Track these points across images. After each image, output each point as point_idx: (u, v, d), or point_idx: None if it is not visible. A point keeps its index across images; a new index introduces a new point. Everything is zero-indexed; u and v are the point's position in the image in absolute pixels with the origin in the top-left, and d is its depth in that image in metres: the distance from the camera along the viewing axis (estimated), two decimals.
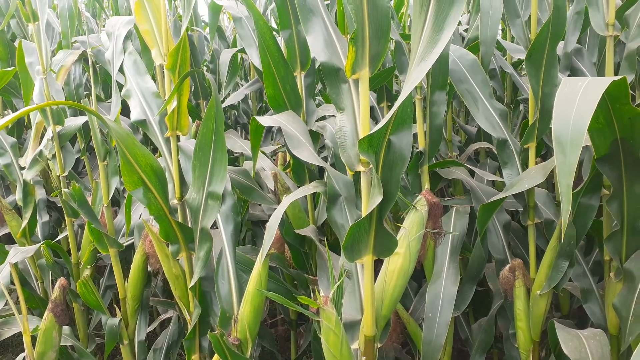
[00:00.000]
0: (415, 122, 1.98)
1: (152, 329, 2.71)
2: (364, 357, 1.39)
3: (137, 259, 2.03)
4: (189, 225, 1.72)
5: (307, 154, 1.71)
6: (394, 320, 1.90)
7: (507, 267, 1.78)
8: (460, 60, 1.91)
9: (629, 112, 1.23)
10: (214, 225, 1.72)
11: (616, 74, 1.67)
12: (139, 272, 2.03)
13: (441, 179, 2.20)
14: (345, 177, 1.70)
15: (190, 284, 1.69)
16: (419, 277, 2.23)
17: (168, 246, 1.77)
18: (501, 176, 1.86)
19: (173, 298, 2.57)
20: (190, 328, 1.76)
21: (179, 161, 1.77)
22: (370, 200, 1.28)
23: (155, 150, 2.95)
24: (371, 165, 1.31)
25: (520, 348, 1.76)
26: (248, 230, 2.94)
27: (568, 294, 2.35)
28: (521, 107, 2.73)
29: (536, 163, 1.72)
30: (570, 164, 0.98)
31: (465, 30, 2.64)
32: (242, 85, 3.41)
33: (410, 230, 1.46)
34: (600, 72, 2.19)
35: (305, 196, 2.22)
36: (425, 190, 1.54)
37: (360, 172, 1.34)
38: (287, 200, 1.57)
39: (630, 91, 2.20)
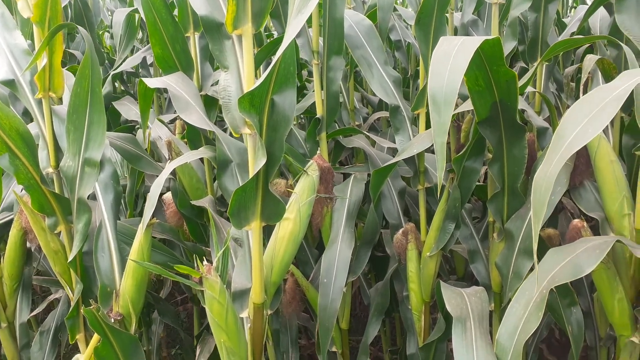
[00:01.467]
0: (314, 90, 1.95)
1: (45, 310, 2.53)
2: (250, 325, 1.35)
3: (13, 234, 1.84)
4: (66, 196, 1.59)
5: (197, 118, 1.62)
6: (294, 288, 1.89)
7: (401, 231, 1.81)
8: (357, 26, 1.89)
9: (505, 74, 1.26)
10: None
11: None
12: (15, 248, 1.84)
13: (344, 148, 2.20)
14: (238, 142, 1.63)
15: (70, 259, 1.56)
16: (321, 245, 2.23)
17: (45, 219, 1.62)
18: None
19: None
20: (72, 305, 1.63)
21: (52, 125, 1.61)
22: (254, 163, 1.23)
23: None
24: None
25: (413, 309, 1.82)
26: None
27: (462, 258, 2.46)
28: None
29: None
30: (444, 122, 0.98)
31: None
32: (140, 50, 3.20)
33: (301, 195, 1.43)
34: None
35: (203, 165, 2.13)
36: (317, 155, 1.51)
37: (247, 135, 1.28)
38: (170, 166, 1.48)
39: (523, 63, 2.31)
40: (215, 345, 2.14)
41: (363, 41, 1.87)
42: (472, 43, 1.05)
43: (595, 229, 1.56)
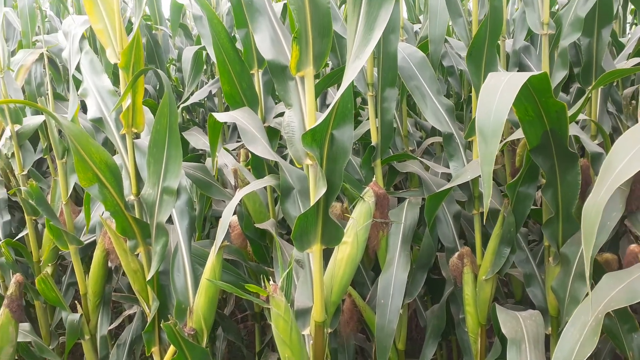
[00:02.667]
0: (368, 118, 2.05)
1: (119, 324, 2.73)
2: (312, 342, 1.44)
3: (97, 255, 2.05)
4: (146, 221, 1.76)
5: (262, 149, 1.76)
6: (351, 308, 1.97)
7: (456, 254, 1.86)
8: (410, 57, 1.98)
9: (554, 105, 1.32)
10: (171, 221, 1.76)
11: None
12: (99, 267, 2.05)
13: (398, 173, 2.27)
14: (299, 171, 1.75)
15: (148, 278, 1.72)
16: (377, 268, 2.30)
17: (126, 242, 1.80)
18: None
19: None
20: (149, 321, 1.79)
21: (134, 158, 1.80)
22: (316, 192, 1.34)
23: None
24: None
25: (469, 332, 1.85)
26: (212, 227, 2.98)
27: (520, 281, 2.45)
28: None
29: None
30: (491, 152, 1.05)
31: (420, 29, 2.72)
32: (206, 84, 3.43)
33: (358, 220, 1.53)
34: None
35: (266, 191, 2.27)
36: (373, 182, 1.60)
37: (308, 165, 1.39)
38: (239, 194, 1.62)
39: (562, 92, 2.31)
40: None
41: (416, 72, 1.96)
42: (518, 79, 1.12)
43: None
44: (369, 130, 2.08)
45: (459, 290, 1.95)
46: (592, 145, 1.67)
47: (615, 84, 2.61)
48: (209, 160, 2.52)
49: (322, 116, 1.22)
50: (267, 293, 1.33)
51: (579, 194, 1.52)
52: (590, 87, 1.92)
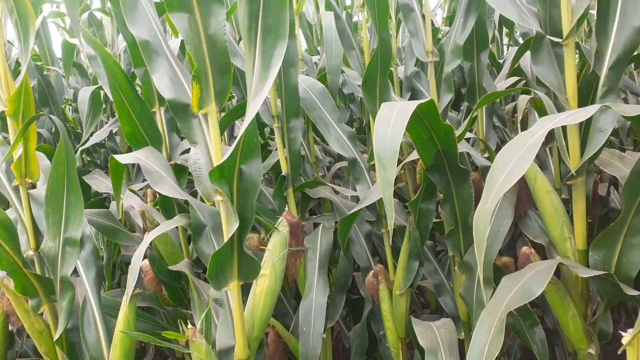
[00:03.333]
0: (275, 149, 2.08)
1: None
2: None
3: None
4: (48, 276, 1.65)
5: (169, 189, 1.72)
6: (275, 340, 1.96)
7: (371, 273, 1.93)
8: (310, 89, 2.06)
9: (443, 127, 1.43)
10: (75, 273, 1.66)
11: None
12: None
13: (311, 199, 2.32)
14: (210, 207, 1.74)
15: (56, 337, 1.60)
16: (298, 296, 2.32)
17: (27, 301, 1.67)
18: None
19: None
20: None
21: (31, 210, 1.68)
22: (228, 228, 1.34)
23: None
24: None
25: (391, 346, 1.91)
26: (123, 274, 2.84)
27: (433, 292, 2.59)
28: None
29: None
30: (389, 177, 1.12)
31: (319, 60, 2.83)
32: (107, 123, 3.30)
33: (274, 251, 1.54)
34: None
35: (178, 231, 2.22)
36: (286, 211, 1.63)
37: (219, 201, 1.39)
38: (149, 237, 1.57)
39: (453, 110, 2.51)
40: None
41: (317, 102, 2.04)
42: (408, 108, 1.21)
43: (544, 255, 1.71)
44: (278, 161, 2.12)
45: (377, 307, 2.02)
46: (481, 160, 1.82)
47: (498, 101, 2.88)
48: (113, 204, 2.42)
49: (228, 152, 1.23)
50: (186, 338, 1.30)
51: (473, 206, 1.65)
52: (474, 107, 2.10)
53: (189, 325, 1.32)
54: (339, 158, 2.77)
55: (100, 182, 2.63)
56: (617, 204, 2.46)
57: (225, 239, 1.35)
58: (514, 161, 1.14)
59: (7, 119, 1.67)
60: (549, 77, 1.55)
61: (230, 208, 1.31)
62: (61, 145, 1.57)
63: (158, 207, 2.45)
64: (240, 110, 2.15)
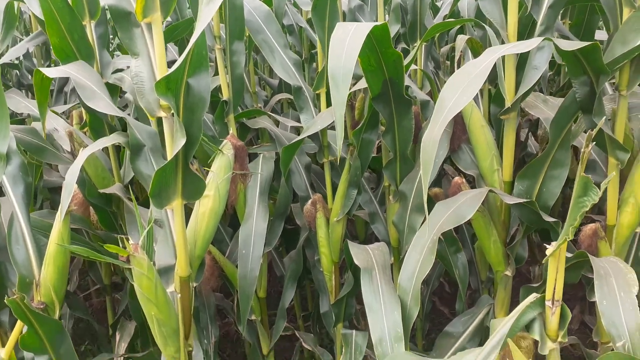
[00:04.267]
0: (217, 74, 2.02)
1: None
2: (180, 295, 1.43)
3: None
4: None
5: (104, 105, 1.64)
6: (211, 265, 1.98)
7: (310, 201, 1.98)
8: (256, 11, 1.99)
9: (392, 55, 1.46)
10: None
11: None
12: None
13: (249, 130, 2.30)
14: (148, 128, 1.68)
15: None
16: (234, 223, 2.33)
17: None
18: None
19: None
20: None
21: None
22: (174, 144, 1.30)
23: None
24: (172, 110, 1.33)
25: (324, 270, 2.00)
26: (45, 200, 2.69)
27: (363, 223, 2.70)
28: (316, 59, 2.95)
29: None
30: (342, 96, 1.14)
31: None
32: (23, 40, 3.01)
33: (218, 173, 1.53)
34: None
35: (109, 155, 2.12)
36: (230, 134, 1.61)
37: (162, 118, 1.34)
38: (84, 154, 1.50)
39: (404, 44, 2.56)
40: (135, 328, 2.19)
41: (263, 26, 1.98)
42: (364, 28, 1.21)
43: (473, 185, 1.84)
44: (217, 87, 2.06)
45: (313, 234, 2.08)
46: (421, 94, 1.88)
47: (434, 42, 2.95)
48: (34, 125, 2.25)
49: (177, 63, 1.18)
50: (127, 253, 1.28)
51: (412, 137, 1.72)
52: (417, 43, 2.14)
53: (131, 242, 1.30)
54: (278, 91, 2.73)
55: (19, 102, 2.43)
56: (533, 148, 2.66)
57: (169, 155, 1.32)
58: (462, 89, 1.19)
59: None
60: (492, 13, 1.61)
61: (177, 123, 1.27)
62: None
63: (84, 130, 2.32)
64: (180, 28, 2.04)
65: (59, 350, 1.44)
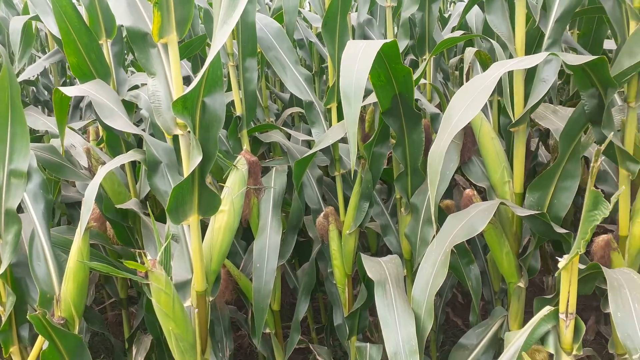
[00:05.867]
0: (231, 89, 2.06)
1: None
2: (197, 310, 1.46)
3: None
4: None
5: (122, 123, 1.68)
6: (226, 279, 2.00)
7: (322, 214, 2.00)
8: (267, 28, 2.03)
9: (402, 70, 1.48)
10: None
11: None
12: None
13: (262, 144, 2.33)
14: (165, 144, 1.72)
15: (1, 271, 1.55)
16: (247, 236, 2.35)
17: None
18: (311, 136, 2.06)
19: None
20: (4, 319, 1.62)
21: None
22: (190, 161, 1.33)
23: None
24: (189, 128, 1.37)
25: (338, 283, 2.01)
26: (63, 215, 2.74)
27: (375, 235, 2.71)
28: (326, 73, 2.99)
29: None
30: (354, 113, 1.17)
31: (271, 1, 2.77)
32: (40, 58, 3.08)
33: (232, 188, 1.56)
34: None
35: (125, 171, 2.17)
36: (244, 150, 1.64)
37: (178, 135, 1.38)
38: (102, 171, 1.53)
39: (413, 56, 2.59)
40: (152, 342, 2.21)
41: (274, 43, 2.02)
42: (374, 46, 1.24)
43: (484, 197, 1.85)
44: (231, 102, 2.09)
45: (326, 247, 2.10)
46: (430, 107, 1.90)
47: (443, 55, 2.97)
48: (52, 142, 2.31)
49: (193, 83, 1.22)
50: (146, 268, 1.31)
51: (422, 150, 1.74)
52: (426, 57, 2.17)
53: (148, 257, 1.33)
54: (289, 104, 2.77)
55: (37, 119, 2.49)
56: (544, 158, 2.66)
57: (186, 172, 1.35)
58: (468, 103, 1.21)
59: None
60: (500, 27, 1.63)
61: (193, 140, 1.30)
62: (4, 71, 1.47)
63: (101, 146, 2.37)
64: (193, 45, 2.09)
65: None
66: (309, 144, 2.60)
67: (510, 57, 1.61)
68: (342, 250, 1.96)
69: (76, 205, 2.45)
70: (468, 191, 1.69)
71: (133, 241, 2.17)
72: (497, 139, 1.73)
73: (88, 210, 1.45)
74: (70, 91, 1.76)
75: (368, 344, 1.84)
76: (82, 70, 1.89)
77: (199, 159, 1.29)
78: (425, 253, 1.51)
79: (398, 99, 1.60)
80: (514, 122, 1.62)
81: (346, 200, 1.99)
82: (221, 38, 1.16)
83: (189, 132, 1.36)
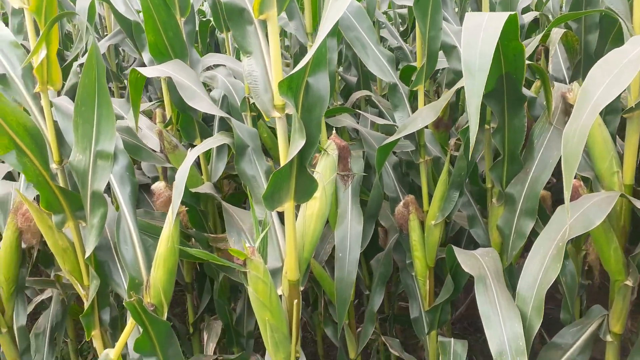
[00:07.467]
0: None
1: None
2: (287, 301, 1.39)
3: (7, 236, 1.76)
4: (73, 191, 1.54)
5: (206, 105, 1.62)
6: None
7: (402, 203, 1.90)
8: (347, 7, 1.92)
9: (514, 48, 1.36)
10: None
11: None
12: (11, 250, 1.76)
13: (330, 128, 2.24)
14: (250, 128, 1.65)
15: (87, 254, 1.52)
16: None
17: (51, 217, 1.57)
18: (393, 120, 1.96)
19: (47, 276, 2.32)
20: (87, 303, 1.60)
21: (53, 120, 1.55)
22: (291, 146, 1.25)
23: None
24: (287, 111, 1.29)
25: (418, 275, 1.92)
26: None
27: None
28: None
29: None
30: (478, 84, 1.07)
31: None
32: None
33: (323, 174, 1.48)
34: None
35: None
36: (334, 134, 1.56)
37: (275, 118, 1.30)
38: (193, 154, 1.48)
39: None
40: (222, 329, 2.18)
41: (354, 22, 1.92)
42: (500, 17, 1.14)
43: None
44: None
45: (404, 237, 2.01)
46: (526, 92, 1.77)
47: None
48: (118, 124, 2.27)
49: (301, 63, 1.14)
50: (246, 256, 1.24)
51: (524, 137, 1.62)
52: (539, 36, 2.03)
53: (247, 244, 1.26)
54: (357, 88, 2.67)
55: None
56: None
57: (286, 158, 1.26)
58: (610, 79, 1.10)
59: (27, 16, 1.49)
60: (616, 4, 1.49)
61: (296, 123, 1.22)
62: (92, 50, 1.42)
63: (167, 128, 2.32)
64: None
65: (167, 352, 1.42)
66: (377, 129, 2.50)
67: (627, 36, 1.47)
68: (424, 241, 1.87)
69: (141, 187, 2.42)
70: (574, 181, 1.56)
71: (206, 225, 2.12)
72: (604, 126, 1.59)
73: (179, 194, 1.39)
74: (149, 72, 1.70)
75: (452, 339, 1.74)
76: (159, 49, 1.83)
77: (302, 143, 1.21)
78: (533, 247, 1.40)
79: (503, 80, 1.48)
80: (628, 107, 1.49)
81: (429, 189, 1.89)
82: (335, 14, 1.07)
83: (287, 115, 1.29)
